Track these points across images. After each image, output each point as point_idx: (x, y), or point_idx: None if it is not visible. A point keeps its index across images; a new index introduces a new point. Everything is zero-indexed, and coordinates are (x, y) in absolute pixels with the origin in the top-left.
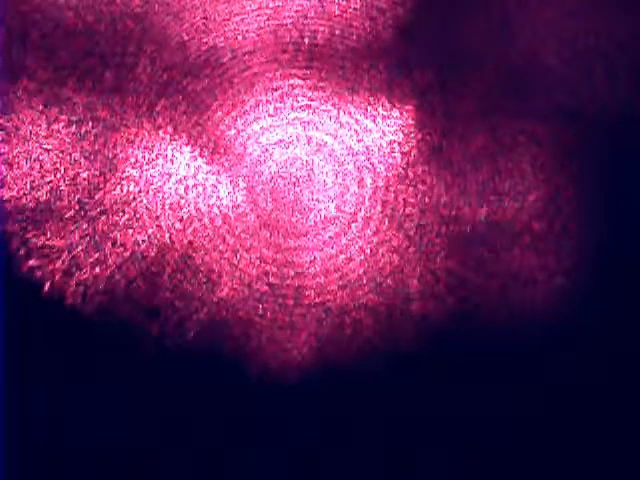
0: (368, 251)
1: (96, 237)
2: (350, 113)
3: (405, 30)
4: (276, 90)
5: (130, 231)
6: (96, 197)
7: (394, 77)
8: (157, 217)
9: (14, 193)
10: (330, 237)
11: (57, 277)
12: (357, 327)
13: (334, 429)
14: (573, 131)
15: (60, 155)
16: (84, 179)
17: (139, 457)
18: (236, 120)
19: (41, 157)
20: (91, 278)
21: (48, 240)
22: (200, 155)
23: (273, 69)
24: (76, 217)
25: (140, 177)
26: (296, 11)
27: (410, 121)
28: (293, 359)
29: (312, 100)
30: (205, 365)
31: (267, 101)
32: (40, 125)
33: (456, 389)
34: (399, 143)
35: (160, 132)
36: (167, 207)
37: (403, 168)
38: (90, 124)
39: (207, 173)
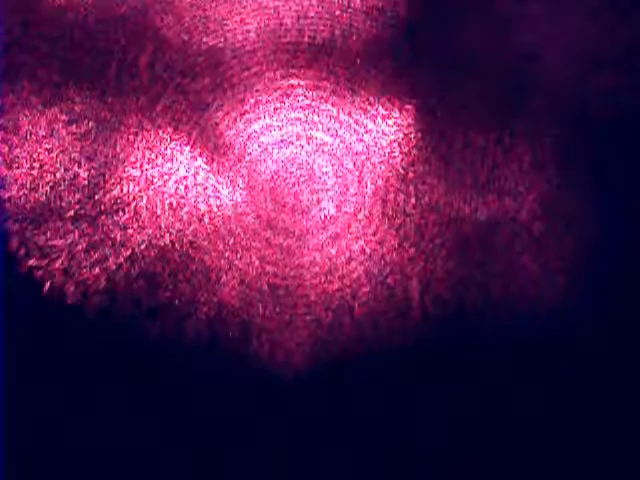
0: (368, 251)
1: (96, 237)
2: (350, 113)
3: (405, 30)
4: (276, 90)
5: (130, 231)
6: (96, 197)
7: (394, 77)
8: (157, 217)
9: (14, 193)
10: (330, 237)
11: (57, 277)
12: (357, 327)
13: (334, 429)
14: (573, 131)
15: (60, 155)
16: (84, 179)
17: (139, 457)
18: (236, 120)
19: (41, 157)
20: (91, 278)
21: (48, 240)
22: (200, 155)
23: (273, 69)
24: (76, 217)
25: (140, 177)
26: (296, 11)
27: (410, 121)
28: (293, 359)
29: (312, 100)
30: (205, 365)
31: (267, 101)
32: (40, 125)
33: (456, 389)
34: (399, 143)
35: (160, 132)
36: (167, 207)
37: (403, 168)
38: (90, 124)
39: (207, 173)
